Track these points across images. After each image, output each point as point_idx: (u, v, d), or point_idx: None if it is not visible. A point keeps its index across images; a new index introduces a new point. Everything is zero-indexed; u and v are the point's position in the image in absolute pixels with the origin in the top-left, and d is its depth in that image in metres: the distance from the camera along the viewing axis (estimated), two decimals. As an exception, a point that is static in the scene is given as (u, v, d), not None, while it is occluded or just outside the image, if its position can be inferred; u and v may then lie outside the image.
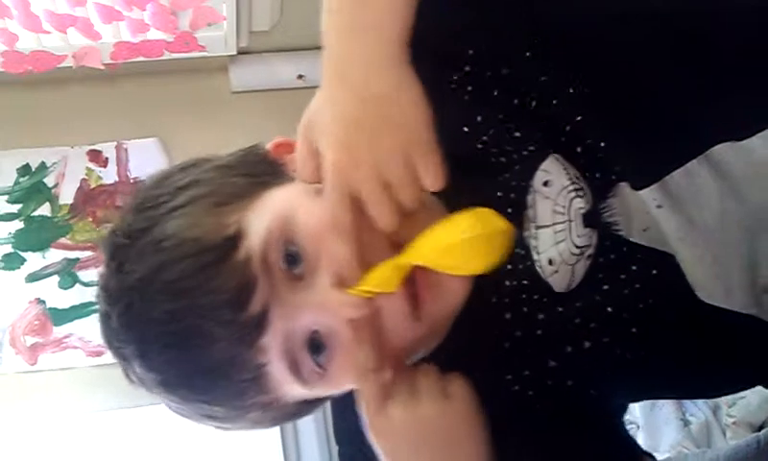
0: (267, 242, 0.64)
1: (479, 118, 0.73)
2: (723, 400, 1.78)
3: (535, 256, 0.72)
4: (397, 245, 0.64)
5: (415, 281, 0.65)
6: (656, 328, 0.72)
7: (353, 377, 0.67)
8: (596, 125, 0.71)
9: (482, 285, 0.69)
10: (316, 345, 0.65)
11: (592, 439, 0.75)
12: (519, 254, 0.73)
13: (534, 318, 0.73)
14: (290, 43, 2.32)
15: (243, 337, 0.63)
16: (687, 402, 1.84)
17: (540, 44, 0.71)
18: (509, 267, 0.72)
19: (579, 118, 0.71)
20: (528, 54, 0.72)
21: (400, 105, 0.62)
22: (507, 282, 0.73)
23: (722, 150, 0.70)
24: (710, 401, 1.81)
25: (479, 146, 0.73)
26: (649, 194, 0.71)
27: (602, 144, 0.71)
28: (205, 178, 0.70)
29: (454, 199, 0.68)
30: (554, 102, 0.71)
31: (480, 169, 0.73)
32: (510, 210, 0.71)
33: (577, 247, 0.72)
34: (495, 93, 0.73)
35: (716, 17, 0.70)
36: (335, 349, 0.66)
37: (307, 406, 0.73)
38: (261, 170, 0.71)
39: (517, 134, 0.72)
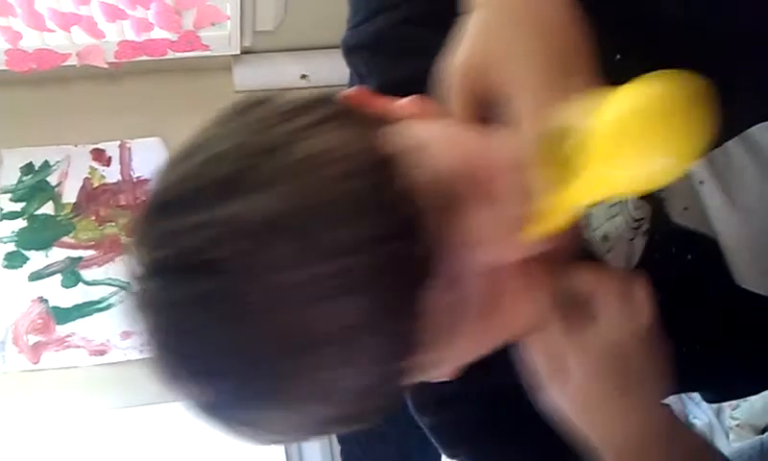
0: (434, 174, 0.51)
1: None
2: (726, 403, 1.77)
3: (590, 233, 0.68)
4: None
5: None
6: (689, 315, 0.68)
7: (530, 321, 0.58)
8: None
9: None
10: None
11: None
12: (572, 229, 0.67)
13: None
14: (294, 43, 2.32)
15: (414, 277, 0.49)
16: (691, 405, 1.84)
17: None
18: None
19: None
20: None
21: (584, 47, 0.55)
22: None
23: (759, 131, 0.67)
24: (714, 404, 1.81)
25: None
26: (691, 170, 0.67)
27: None
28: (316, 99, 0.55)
29: None
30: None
31: None
32: None
33: (635, 220, 0.68)
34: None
35: None
36: (502, 289, 0.55)
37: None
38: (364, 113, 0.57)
39: None
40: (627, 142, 0.42)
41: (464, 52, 0.56)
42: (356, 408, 0.52)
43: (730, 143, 0.67)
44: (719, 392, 0.91)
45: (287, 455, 2.18)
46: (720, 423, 1.79)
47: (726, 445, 1.73)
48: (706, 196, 0.67)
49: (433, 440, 0.76)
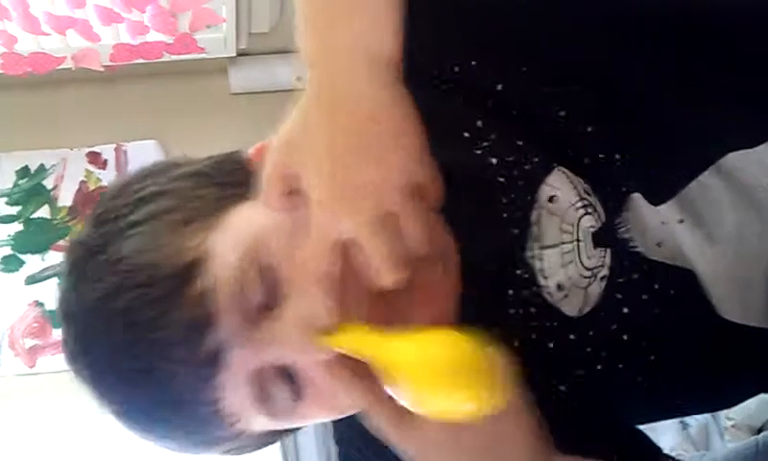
0: (231, 270, 0.58)
1: (479, 123, 0.66)
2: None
3: (541, 281, 0.66)
4: (380, 294, 0.57)
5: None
6: (673, 351, 0.67)
7: (334, 414, 0.63)
8: (607, 135, 0.65)
9: (482, 315, 0.62)
10: (289, 374, 0.60)
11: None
12: (523, 278, 0.66)
13: (543, 346, 0.67)
14: (289, 45, 2.29)
15: (198, 375, 0.58)
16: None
17: (538, 55, 0.65)
18: (511, 293, 0.66)
19: (589, 129, 0.65)
20: (524, 68, 0.65)
21: (398, 131, 0.55)
22: (512, 311, 0.67)
23: (733, 159, 0.65)
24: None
25: (478, 152, 0.66)
26: (668, 209, 0.65)
27: (615, 156, 0.65)
28: (171, 188, 0.63)
29: (454, 218, 0.63)
30: (560, 113, 0.65)
31: (481, 183, 0.66)
32: (513, 229, 0.65)
33: (587, 269, 0.66)
34: (490, 105, 0.65)
35: (721, 24, 0.65)
36: (307, 384, 0.60)
37: (278, 434, 0.69)
38: (237, 180, 0.63)
39: (520, 143, 0.65)
40: (427, 390, 0.53)
41: (281, 131, 0.58)
42: (233, 445, 0.65)
43: (705, 174, 0.65)
44: (702, 410, 0.93)
45: (284, 456, 2.18)
46: (716, 423, 1.80)
47: (721, 445, 1.74)
48: (682, 235, 0.66)
49: None
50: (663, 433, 1.76)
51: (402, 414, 0.57)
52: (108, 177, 2.28)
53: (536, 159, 0.65)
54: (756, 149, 0.65)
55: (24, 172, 2.27)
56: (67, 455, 2.11)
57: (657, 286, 0.66)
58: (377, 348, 0.55)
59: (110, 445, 2.10)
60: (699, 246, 0.65)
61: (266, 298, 0.58)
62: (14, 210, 2.24)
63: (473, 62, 0.65)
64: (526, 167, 0.65)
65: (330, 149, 0.54)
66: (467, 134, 0.66)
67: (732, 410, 1.76)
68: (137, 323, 0.57)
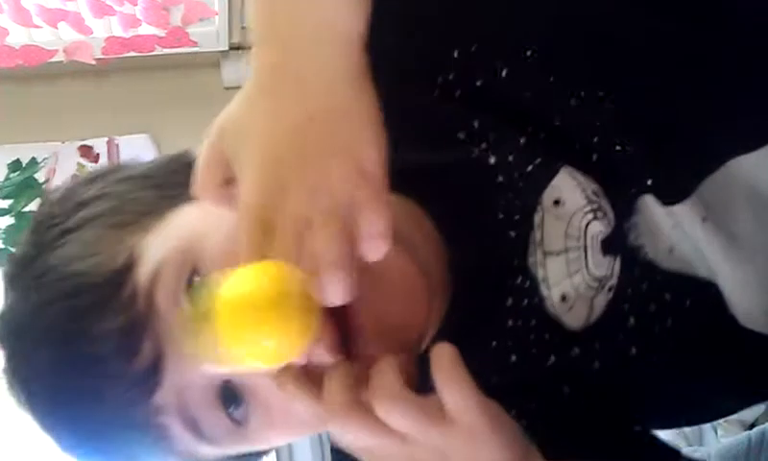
0: (160, 274, 0.52)
1: (476, 123, 0.60)
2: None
3: (544, 291, 0.61)
4: None
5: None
6: (687, 363, 0.63)
7: (289, 433, 0.58)
8: (617, 128, 0.60)
9: (478, 326, 0.59)
10: (231, 395, 0.54)
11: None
12: (524, 288, 0.61)
13: (543, 362, 0.62)
14: (282, 39, 2.31)
15: (133, 394, 0.52)
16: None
17: (545, 42, 0.59)
18: (510, 302, 0.61)
19: (598, 123, 0.60)
20: (529, 53, 0.59)
21: (353, 127, 0.47)
22: (510, 322, 0.62)
23: (743, 160, 0.60)
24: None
25: (475, 153, 0.60)
26: (689, 208, 0.59)
27: (626, 149, 0.59)
28: (109, 192, 0.59)
29: (447, 222, 0.59)
30: (571, 101, 0.59)
31: (478, 185, 0.61)
32: (513, 233, 0.61)
33: (595, 279, 0.61)
34: (490, 99, 0.60)
35: (727, 26, 0.61)
36: (253, 401, 0.54)
37: (250, 456, 0.62)
38: (179, 181, 0.56)
39: (522, 141, 0.60)
40: (236, 325, 0.44)
41: (222, 113, 0.51)
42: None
43: (716, 175, 0.60)
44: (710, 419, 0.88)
45: (278, 457, 2.18)
46: (708, 418, 1.80)
47: (714, 440, 1.74)
48: (705, 233, 0.60)
49: None
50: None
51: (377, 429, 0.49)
52: (100, 170, 2.28)
53: (539, 160, 0.60)
54: (763, 149, 0.60)
55: (16, 165, 2.26)
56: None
57: (668, 297, 0.61)
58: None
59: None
60: (724, 249, 0.60)
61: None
62: (6, 204, 2.23)
63: (474, 47, 0.59)
64: (528, 168, 0.60)
65: (268, 141, 0.47)
66: (461, 136, 0.60)
67: (725, 405, 1.76)
68: (66, 339, 0.53)
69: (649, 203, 0.60)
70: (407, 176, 0.56)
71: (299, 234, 0.44)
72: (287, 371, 0.49)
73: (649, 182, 0.60)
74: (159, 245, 0.54)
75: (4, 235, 2.21)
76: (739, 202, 0.60)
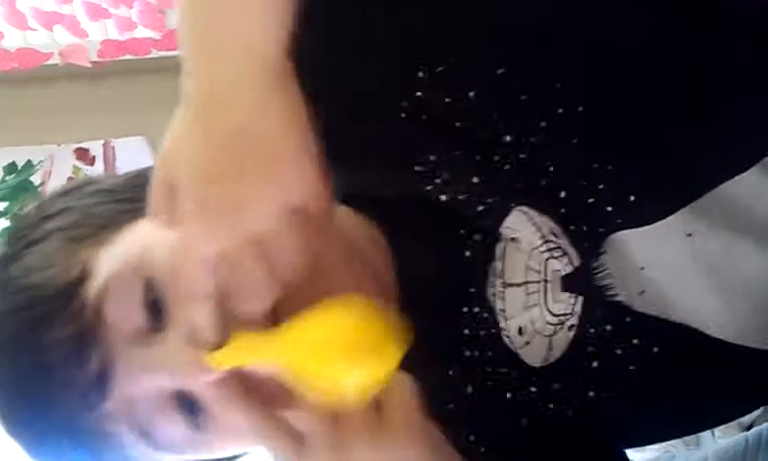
0: (108, 287, 0.54)
1: (432, 157, 0.59)
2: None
3: (501, 323, 0.61)
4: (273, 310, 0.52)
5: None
6: (663, 393, 0.62)
7: (244, 441, 0.58)
8: (593, 147, 0.58)
9: (436, 353, 0.59)
10: (189, 403, 0.54)
11: None
12: (482, 317, 0.61)
13: (500, 396, 0.62)
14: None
15: (83, 401, 0.54)
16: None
17: (518, 59, 0.58)
18: (467, 332, 0.61)
19: (574, 141, 0.58)
20: (500, 71, 0.58)
21: (278, 146, 0.48)
22: (467, 352, 0.61)
23: (726, 187, 0.59)
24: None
25: (429, 188, 0.60)
26: (674, 222, 0.58)
27: (595, 186, 0.58)
28: (75, 205, 0.60)
29: (402, 244, 0.60)
30: (541, 123, 0.58)
31: (434, 218, 0.61)
32: (469, 255, 0.61)
33: (553, 315, 0.60)
34: (451, 130, 0.59)
35: (717, 47, 0.60)
36: (206, 412, 0.55)
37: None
38: (140, 196, 0.56)
39: (475, 181, 0.59)
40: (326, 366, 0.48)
41: (167, 136, 0.54)
42: None
43: (702, 200, 0.59)
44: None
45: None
46: (706, 419, 1.80)
47: (712, 441, 1.74)
48: (691, 248, 0.59)
49: None
50: (653, 429, 1.77)
51: (299, 441, 0.51)
52: (96, 173, 2.27)
53: (490, 200, 0.59)
54: (745, 174, 0.59)
55: (11, 168, 2.26)
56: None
57: (636, 341, 0.60)
58: (274, 345, 0.50)
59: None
60: (710, 281, 0.59)
61: (152, 316, 0.54)
62: (2, 206, 2.23)
63: (441, 67, 0.58)
64: (479, 208, 0.60)
65: (202, 162, 0.49)
66: (419, 168, 0.60)
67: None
68: (21, 347, 0.55)
69: (618, 242, 0.59)
70: (363, 199, 0.59)
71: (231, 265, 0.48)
72: (230, 380, 0.52)
73: (612, 218, 0.59)
74: (111, 259, 0.55)
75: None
76: (723, 229, 0.59)
